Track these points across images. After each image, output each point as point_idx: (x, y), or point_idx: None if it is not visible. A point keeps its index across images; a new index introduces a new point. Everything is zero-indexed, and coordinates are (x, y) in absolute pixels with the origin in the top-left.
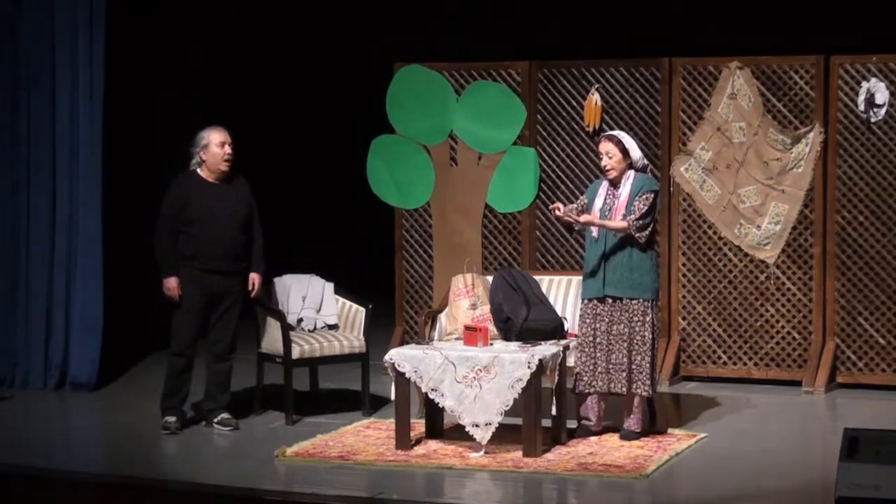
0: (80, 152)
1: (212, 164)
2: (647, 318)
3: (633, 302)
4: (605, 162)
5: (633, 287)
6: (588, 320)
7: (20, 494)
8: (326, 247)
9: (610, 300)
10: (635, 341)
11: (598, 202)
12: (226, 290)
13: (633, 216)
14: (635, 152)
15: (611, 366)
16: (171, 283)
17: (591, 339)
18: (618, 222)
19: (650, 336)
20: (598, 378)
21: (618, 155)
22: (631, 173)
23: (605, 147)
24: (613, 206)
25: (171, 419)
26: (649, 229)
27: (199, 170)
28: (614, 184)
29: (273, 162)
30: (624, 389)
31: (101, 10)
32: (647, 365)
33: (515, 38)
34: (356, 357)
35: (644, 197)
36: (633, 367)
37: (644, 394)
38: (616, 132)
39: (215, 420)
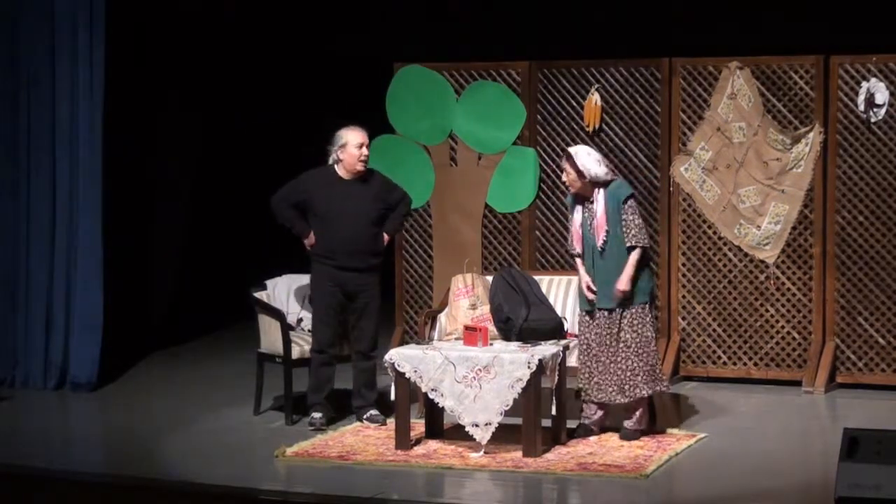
0: (80, 152)
1: (348, 165)
2: (647, 320)
3: (632, 309)
4: (563, 178)
5: (617, 297)
6: (583, 328)
7: (20, 494)
8: None
9: (606, 312)
10: (639, 344)
11: (578, 217)
12: (361, 287)
13: (630, 233)
14: (592, 170)
15: (604, 377)
16: (307, 235)
17: (585, 346)
18: (627, 272)
19: (651, 335)
20: (592, 387)
21: (572, 174)
22: (599, 192)
23: (563, 164)
24: (592, 223)
25: (317, 416)
26: (644, 231)
27: (336, 166)
28: (586, 198)
29: (273, 161)
30: (625, 399)
31: (101, 11)
32: (649, 364)
33: (515, 38)
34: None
35: (627, 207)
36: (638, 369)
37: (645, 394)
38: (576, 149)
39: (364, 416)
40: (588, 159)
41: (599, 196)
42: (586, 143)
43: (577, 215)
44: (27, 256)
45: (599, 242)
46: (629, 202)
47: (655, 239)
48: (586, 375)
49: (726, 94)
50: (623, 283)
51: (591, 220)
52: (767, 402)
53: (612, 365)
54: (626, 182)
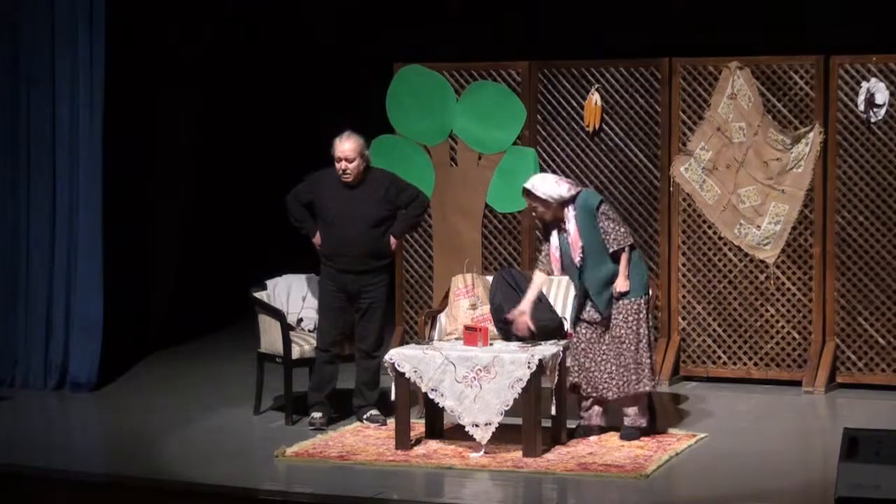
0: (80, 152)
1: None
2: (641, 316)
3: (624, 302)
4: (534, 214)
5: (615, 298)
6: (577, 327)
7: (20, 494)
8: None
9: (599, 316)
10: (632, 339)
11: (554, 240)
12: (362, 287)
13: (611, 237)
14: (555, 193)
15: (594, 373)
16: (314, 234)
17: (576, 339)
18: (622, 273)
19: (644, 332)
20: (582, 381)
21: (540, 207)
22: (569, 210)
23: (528, 202)
24: (569, 241)
25: (317, 415)
26: (624, 231)
27: None
28: (561, 220)
29: (272, 161)
30: (618, 394)
31: (101, 11)
32: (642, 361)
33: (515, 38)
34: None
35: (601, 214)
36: (633, 366)
37: (643, 389)
38: (531, 182)
39: (364, 416)
40: (546, 185)
41: (570, 214)
42: (586, 143)
43: (554, 239)
44: (27, 256)
45: (577, 259)
46: (601, 208)
47: (655, 239)
48: (576, 368)
49: (726, 94)
50: (621, 286)
51: (567, 240)
52: (767, 402)
53: (603, 359)
54: (591, 191)
